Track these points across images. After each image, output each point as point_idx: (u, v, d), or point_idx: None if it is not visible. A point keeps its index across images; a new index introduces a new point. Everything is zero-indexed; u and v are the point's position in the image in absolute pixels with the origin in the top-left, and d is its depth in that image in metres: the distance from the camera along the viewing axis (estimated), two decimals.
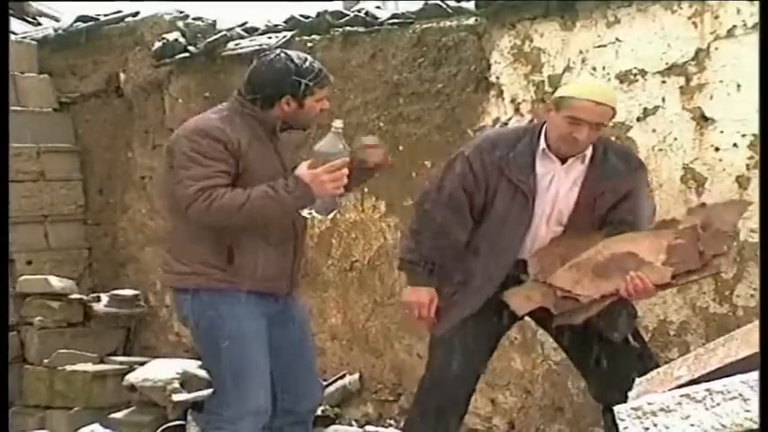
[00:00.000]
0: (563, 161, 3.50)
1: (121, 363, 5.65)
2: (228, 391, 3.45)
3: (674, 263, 3.34)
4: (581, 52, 4.28)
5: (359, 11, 5.21)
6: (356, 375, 5.21)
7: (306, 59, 3.45)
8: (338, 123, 3.34)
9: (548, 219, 3.54)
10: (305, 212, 3.38)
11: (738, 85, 3.85)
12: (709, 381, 2.62)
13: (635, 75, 4.13)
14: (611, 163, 3.50)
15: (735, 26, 3.86)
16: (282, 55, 3.45)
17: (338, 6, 5.73)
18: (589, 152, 3.50)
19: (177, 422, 4.97)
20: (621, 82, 4.16)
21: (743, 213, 3.58)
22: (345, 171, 3.32)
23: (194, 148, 3.33)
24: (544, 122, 3.55)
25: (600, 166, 3.50)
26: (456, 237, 3.60)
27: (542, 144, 3.51)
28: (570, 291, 3.43)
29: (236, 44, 5.61)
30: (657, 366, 3.45)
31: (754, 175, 3.83)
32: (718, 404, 2.53)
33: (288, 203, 3.30)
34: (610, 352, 3.56)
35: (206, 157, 3.30)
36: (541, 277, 3.50)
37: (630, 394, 2.93)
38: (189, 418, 4.93)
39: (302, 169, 3.31)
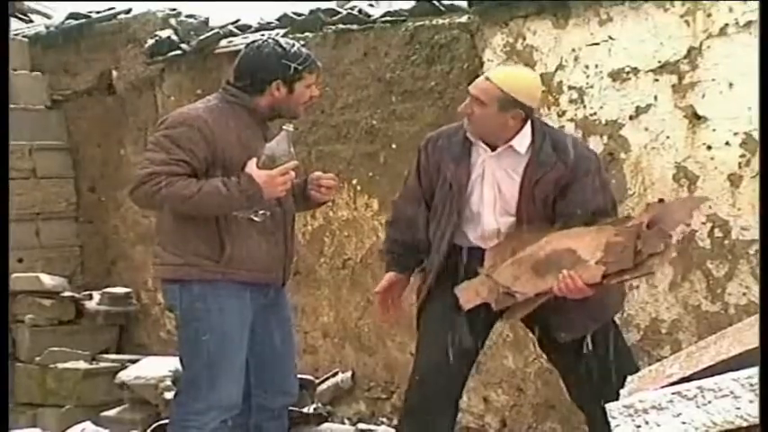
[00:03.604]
0: (493, 149, 3.53)
1: (113, 360, 5.65)
2: (202, 383, 3.43)
3: (609, 262, 3.28)
4: (573, 50, 4.27)
5: (352, 9, 5.20)
6: (348, 373, 5.20)
7: (294, 45, 3.46)
8: (289, 126, 3.35)
9: (493, 206, 3.53)
10: (239, 214, 3.37)
11: (731, 84, 3.85)
12: (700, 378, 2.63)
13: (627, 73, 4.13)
14: (545, 152, 3.50)
15: (727, 24, 3.86)
16: (270, 41, 3.46)
17: (331, 4, 5.72)
18: (527, 141, 3.51)
19: (169, 420, 4.95)
20: (614, 80, 4.17)
21: (695, 210, 3.60)
22: (293, 175, 3.35)
23: (166, 133, 3.34)
24: None
25: (536, 155, 3.51)
26: (422, 230, 3.64)
27: (468, 132, 3.56)
28: (509, 287, 3.39)
29: (229, 42, 5.60)
30: (630, 373, 3.44)
31: (747, 174, 3.83)
32: (710, 402, 2.53)
33: (238, 202, 3.30)
34: (572, 356, 3.55)
35: (173, 143, 3.30)
36: (491, 272, 3.47)
37: (622, 392, 2.93)
38: None
39: (253, 168, 3.30)
